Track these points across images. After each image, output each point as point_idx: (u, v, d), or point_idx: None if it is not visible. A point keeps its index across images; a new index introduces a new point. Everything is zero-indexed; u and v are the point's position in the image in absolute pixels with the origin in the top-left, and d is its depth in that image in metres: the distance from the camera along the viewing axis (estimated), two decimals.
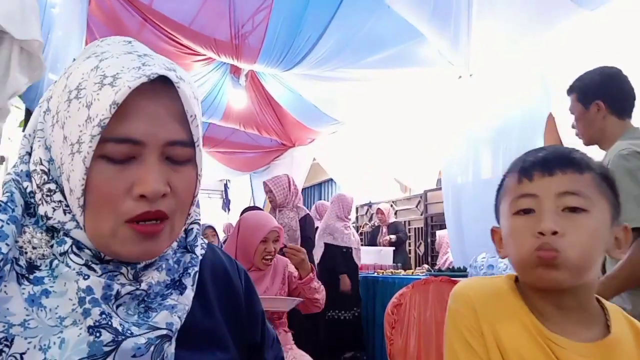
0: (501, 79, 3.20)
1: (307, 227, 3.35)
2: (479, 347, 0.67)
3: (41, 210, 0.54)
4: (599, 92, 1.52)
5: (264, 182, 3.36)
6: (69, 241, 0.53)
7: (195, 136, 0.56)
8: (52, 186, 0.54)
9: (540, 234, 0.63)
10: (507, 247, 0.69)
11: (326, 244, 3.88)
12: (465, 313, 0.69)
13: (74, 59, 0.57)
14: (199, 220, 0.65)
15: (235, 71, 4.68)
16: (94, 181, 0.51)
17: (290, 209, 3.26)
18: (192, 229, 0.64)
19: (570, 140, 3.14)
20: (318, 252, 3.95)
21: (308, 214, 3.28)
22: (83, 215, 0.52)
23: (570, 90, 1.62)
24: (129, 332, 0.51)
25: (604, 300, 0.69)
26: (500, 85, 3.19)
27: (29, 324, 0.50)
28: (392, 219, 5.07)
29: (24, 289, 0.51)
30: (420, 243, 5.64)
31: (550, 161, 0.66)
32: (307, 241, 3.31)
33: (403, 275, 3.99)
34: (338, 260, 3.86)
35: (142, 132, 0.52)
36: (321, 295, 2.03)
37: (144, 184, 0.51)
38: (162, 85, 0.53)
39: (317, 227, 4.39)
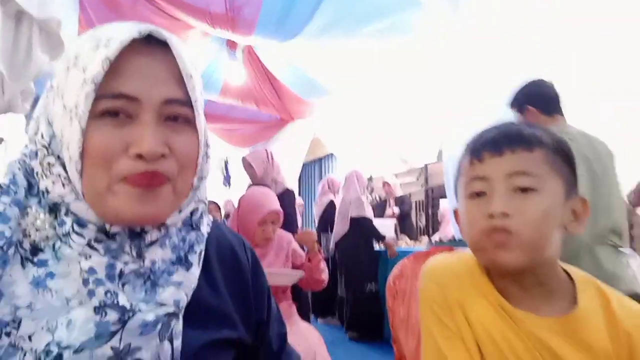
0: (503, 46, 3.15)
1: (286, 203, 3.09)
2: (450, 322, 0.68)
3: (42, 184, 0.54)
4: (528, 99, 1.90)
5: (243, 158, 3.21)
6: (68, 221, 0.53)
7: (192, 97, 0.55)
8: (52, 160, 0.54)
9: (491, 216, 0.62)
10: (463, 228, 0.69)
11: (355, 218, 3.99)
12: (434, 290, 0.71)
13: None
14: (206, 199, 0.64)
15: (231, 45, 4.61)
16: (91, 142, 0.51)
17: (269, 185, 3.05)
18: (197, 208, 0.63)
19: (571, 110, 3.13)
20: (341, 227, 4.03)
21: (288, 189, 3.10)
22: (80, 182, 0.52)
23: (509, 103, 1.98)
24: (137, 308, 0.51)
25: (575, 273, 0.69)
26: (502, 53, 3.15)
27: (35, 306, 0.50)
28: (399, 192, 5.08)
29: (28, 271, 0.51)
30: (421, 215, 5.67)
31: (499, 141, 0.65)
32: (287, 218, 3.12)
33: (404, 247, 4.04)
34: (374, 230, 3.98)
35: (137, 89, 0.52)
36: (326, 274, 2.05)
37: (141, 144, 0.51)
38: (158, 47, 0.54)
39: (330, 201, 4.46)
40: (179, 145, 0.55)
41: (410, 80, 4.30)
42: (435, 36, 3.51)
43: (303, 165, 7.88)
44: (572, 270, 0.69)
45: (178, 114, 0.55)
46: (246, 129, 6.79)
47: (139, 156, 0.51)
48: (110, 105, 0.51)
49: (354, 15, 3.46)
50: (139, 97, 0.52)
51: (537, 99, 1.88)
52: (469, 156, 0.68)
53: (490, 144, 0.66)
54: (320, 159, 8.00)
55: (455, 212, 0.74)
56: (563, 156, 0.66)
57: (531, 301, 0.66)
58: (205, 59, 4.60)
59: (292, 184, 7.67)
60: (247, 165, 3.12)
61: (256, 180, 3.10)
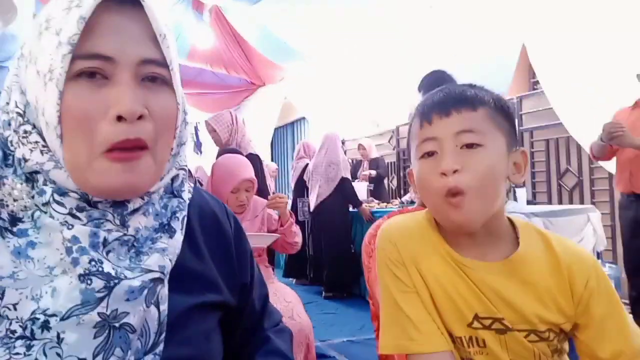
0: (475, 10, 3.14)
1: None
2: (404, 276, 0.74)
3: (18, 153, 0.53)
4: (430, 86, 2.03)
5: (206, 122, 3.05)
6: (49, 190, 0.52)
7: (168, 57, 0.54)
8: (28, 127, 0.53)
9: (443, 174, 0.67)
10: (418, 188, 0.74)
11: (345, 179, 4.10)
12: (389, 249, 0.76)
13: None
14: (186, 166, 0.64)
15: (198, 7, 4.44)
16: (69, 107, 0.50)
17: (236, 149, 2.86)
18: (178, 175, 0.63)
19: (545, 74, 3.19)
20: (326, 188, 4.09)
21: (252, 153, 2.90)
22: (62, 148, 0.51)
23: (417, 88, 2.22)
24: (122, 275, 0.52)
25: (515, 220, 0.75)
26: (474, 17, 3.14)
27: (18, 275, 0.50)
28: (374, 155, 5.13)
29: (8, 242, 0.51)
30: (393, 177, 5.76)
31: (445, 103, 0.70)
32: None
33: (377, 208, 4.13)
34: (354, 192, 4.11)
35: (112, 48, 0.51)
36: (299, 238, 2.08)
37: (120, 104, 0.50)
38: (130, 5, 0.53)
39: (306, 165, 4.48)
40: (158, 107, 0.54)
41: (382, 42, 4.26)
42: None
43: (275, 129, 7.82)
44: (513, 217, 0.76)
45: (155, 74, 0.54)
46: (216, 93, 6.64)
47: (119, 118, 0.50)
48: (85, 65, 0.50)
49: None
50: (115, 56, 0.51)
51: (437, 86, 2.16)
52: (419, 119, 0.73)
53: (437, 106, 0.70)
54: (292, 123, 7.94)
55: (410, 173, 0.79)
56: (503, 113, 0.71)
57: (480, 249, 0.72)
58: (171, 20, 4.43)
59: (264, 148, 7.63)
60: (211, 129, 2.99)
61: (220, 145, 3.00)
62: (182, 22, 4.57)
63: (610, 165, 2.79)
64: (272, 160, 7.80)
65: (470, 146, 0.68)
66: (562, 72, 2.99)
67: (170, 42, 0.55)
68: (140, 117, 0.52)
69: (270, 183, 6.54)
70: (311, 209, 4.30)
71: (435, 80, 2.16)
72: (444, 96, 0.72)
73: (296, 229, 2.06)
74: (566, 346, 0.72)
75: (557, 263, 0.70)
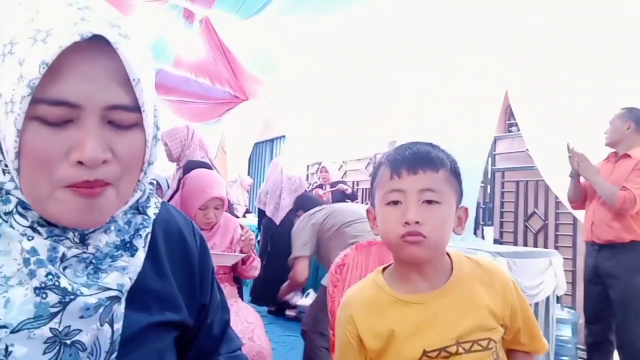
0: (460, 51, 3.25)
1: None
2: (360, 348, 0.84)
3: None
4: None
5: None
6: (13, 200, 0.51)
7: (140, 101, 0.52)
8: None
9: (407, 224, 0.78)
10: (380, 229, 0.85)
11: (306, 191, 4.16)
12: (346, 324, 0.86)
13: None
14: (153, 180, 0.63)
15: (188, 15, 4.45)
16: (28, 144, 0.48)
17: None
18: (144, 191, 0.62)
19: (524, 119, 3.30)
20: (288, 201, 4.07)
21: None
22: (18, 178, 0.50)
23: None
24: (78, 291, 0.51)
25: (451, 253, 0.88)
26: (459, 43, 3.24)
27: None
28: (335, 178, 5.15)
29: None
30: (367, 204, 5.80)
31: (414, 162, 0.82)
32: None
33: None
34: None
35: (78, 95, 0.48)
36: (258, 271, 2.09)
37: (82, 150, 0.48)
38: (102, 43, 0.49)
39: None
40: (124, 148, 0.52)
41: (365, 73, 4.34)
42: (396, 26, 3.56)
43: (255, 144, 7.81)
44: (449, 252, 0.89)
45: (123, 120, 0.52)
46: (198, 103, 6.60)
47: (80, 163, 0.49)
48: (48, 112, 0.48)
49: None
50: (81, 103, 0.48)
51: None
52: (390, 171, 0.83)
53: (407, 164, 0.82)
54: (272, 140, 7.95)
55: (368, 211, 0.90)
56: (456, 175, 0.84)
57: (428, 281, 0.84)
58: (160, 27, 4.42)
59: (242, 162, 7.58)
60: (164, 143, 2.89)
61: (172, 159, 2.94)
62: (171, 29, 4.56)
63: (578, 213, 2.88)
64: (248, 174, 7.75)
65: (429, 202, 0.80)
66: (540, 119, 3.11)
67: (144, 85, 0.52)
68: (103, 162, 0.50)
69: (245, 197, 6.47)
70: (277, 223, 4.21)
71: None
72: (413, 154, 0.83)
73: (256, 263, 2.06)
74: (503, 356, 0.83)
75: (490, 279, 0.85)
